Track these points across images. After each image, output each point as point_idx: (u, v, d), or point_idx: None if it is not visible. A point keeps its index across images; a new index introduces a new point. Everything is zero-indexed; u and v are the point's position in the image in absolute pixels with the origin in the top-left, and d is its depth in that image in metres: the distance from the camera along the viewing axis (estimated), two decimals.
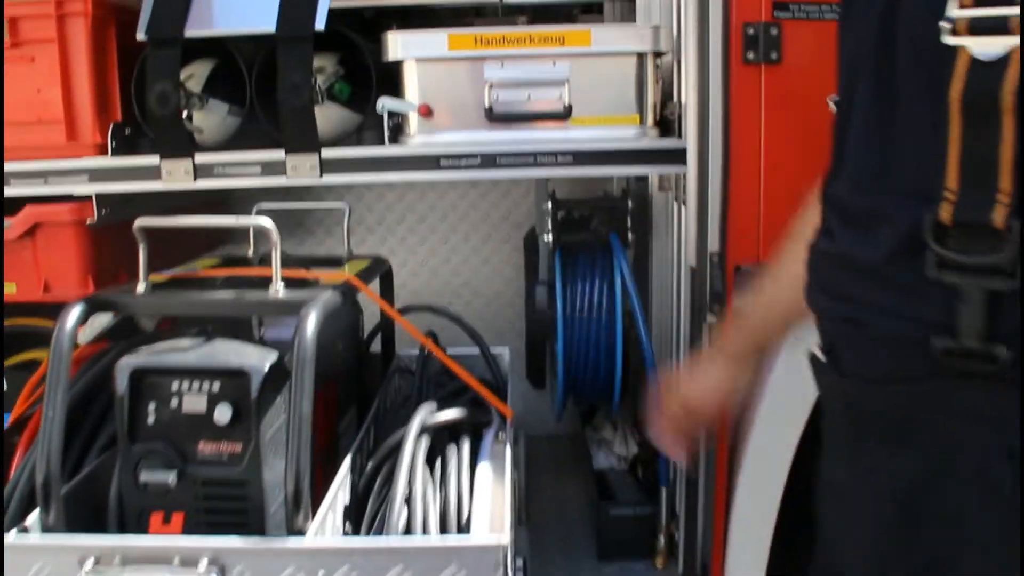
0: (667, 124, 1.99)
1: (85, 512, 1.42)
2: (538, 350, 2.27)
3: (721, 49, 1.79)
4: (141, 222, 1.41)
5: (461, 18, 2.73)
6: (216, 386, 1.37)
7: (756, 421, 1.92)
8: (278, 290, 1.43)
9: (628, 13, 2.66)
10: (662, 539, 2.12)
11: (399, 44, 1.90)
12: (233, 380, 1.37)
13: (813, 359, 1.23)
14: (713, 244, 1.85)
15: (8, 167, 1.94)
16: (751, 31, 1.77)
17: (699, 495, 1.97)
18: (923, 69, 0.96)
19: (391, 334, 1.97)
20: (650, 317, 2.25)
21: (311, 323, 1.33)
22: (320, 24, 1.84)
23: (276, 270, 1.42)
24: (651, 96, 1.93)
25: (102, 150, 1.95)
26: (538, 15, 2.75)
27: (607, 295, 2.12)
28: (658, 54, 1.94)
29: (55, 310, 2.10)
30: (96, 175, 1.93)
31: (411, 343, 2.00)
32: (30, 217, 1.96)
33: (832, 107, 1.19)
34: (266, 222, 1.38)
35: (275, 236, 1.39)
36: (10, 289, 2.01)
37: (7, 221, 1.96)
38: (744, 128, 1.81)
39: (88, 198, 1.95)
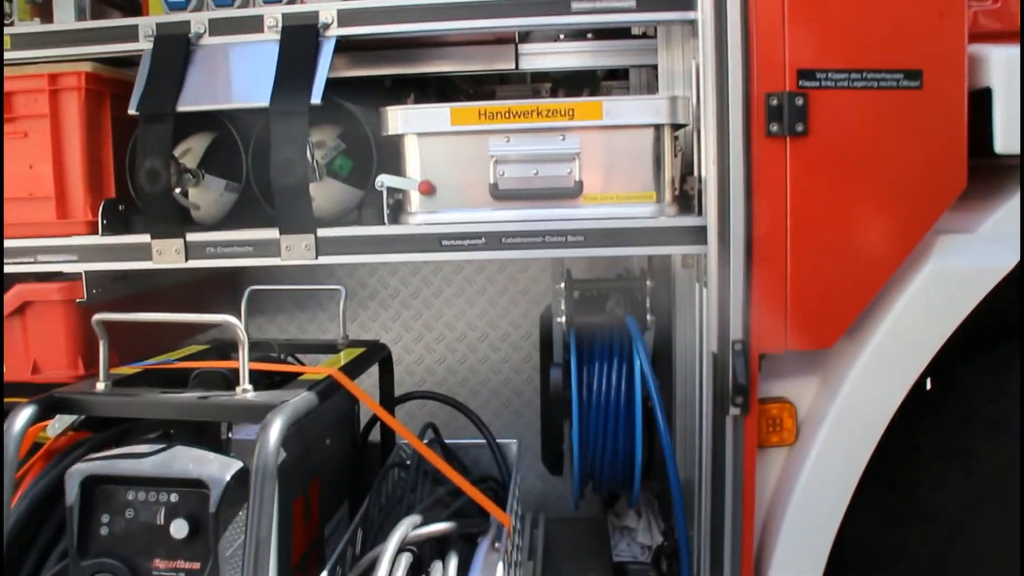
0: (687, 200, 1.85)
1: None
2: (554, 434, 2.12)
3: (742, 121, 1.65)
4: (99, 317, 1.31)
5: (483, 86, 2.64)
6: (174, 497, 1.25)
7: (784, 523, 1.76)
8: (246, 392, 1.31)
9: (654, 79, 2.55)
10: None
11: (399, 119, 1.79)
12: (192, 492, 1.24)
13: None
14: (736, 331, 1.69)
15: None
16: (774, 101, 1.63)
17: None
18: None
19: (391, 440, 1.84)
20: (674, 403, 2.09)
21: (274, 432, 1.20)
22: (317, 98, 1.75)
23: (243, 370, 1.30)
24: (668, 171, 1.79)
25: (93, 228, 1.86)
26: (561, 82, 2.66)
27: (626, 379, 1.97)
28: (676, 126, 1.80)
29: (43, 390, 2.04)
30: (86, 253, 1.85)
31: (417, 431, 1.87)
32: (20, 295, 1.89)
33: None
34: (231, 320, 1.26)
35: (242, 336, 1.28)
36: None
37: None
38: (768, 205, 1.66)
39: (77, 276, 1.87)
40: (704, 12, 1.68)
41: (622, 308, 2.13)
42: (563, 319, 2.02)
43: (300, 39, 1.80)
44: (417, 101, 2.38)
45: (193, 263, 1.82)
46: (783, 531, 1.75)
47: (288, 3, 1.92)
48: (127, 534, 1.26)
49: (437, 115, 1.77)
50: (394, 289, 2.60)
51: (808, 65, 1.63)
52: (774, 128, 1.64)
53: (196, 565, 1.24)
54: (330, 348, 1.80)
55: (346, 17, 1.82)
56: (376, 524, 1.57)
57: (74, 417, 1.54)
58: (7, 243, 1.86)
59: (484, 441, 1.81)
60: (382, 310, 2.60)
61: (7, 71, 1.87)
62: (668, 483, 2.11)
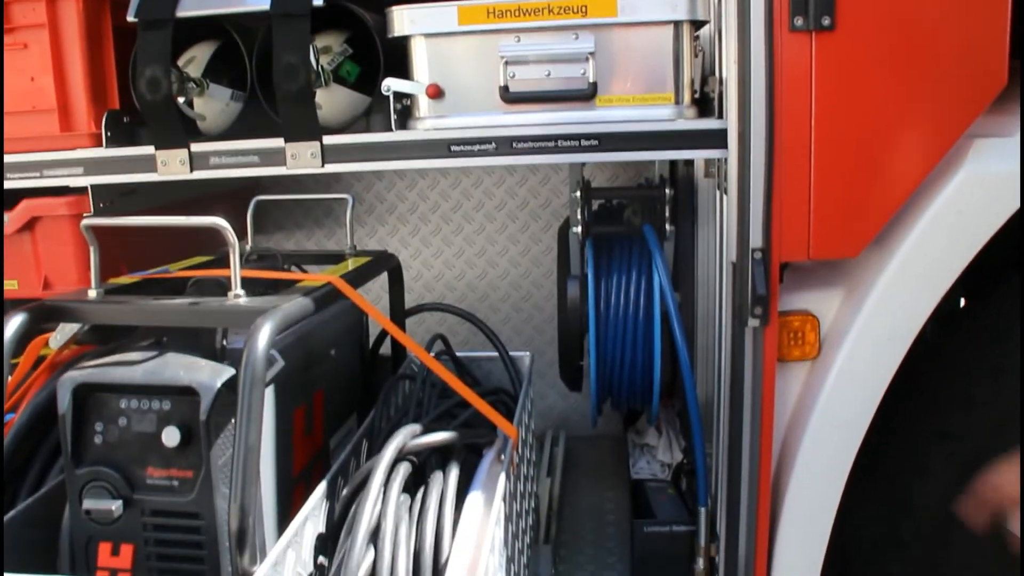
0: (707, 103, 1.75)
1: (39, 536, 1.29)
2: (573, 349, 2.06)
3: (764, 14, 1.54)
4: (88, 221, 1.27)
5: None
6: (165, 405, 1.21)
7: (804, 438, 1.69)
8: (237, 297, 1.26)
9: None
10: (701, 562, 1.89)
11: (405, 19, 1.71)
12: (183, 399, 1.21)
13: None
14: (756, 239, 1.61)
15: (5, 159, 1.82)
16: None
17: (741, 515, 1.74)
18: None
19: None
20: (695, 315, 2.02)
21: (262, 339, 1.16)
22: None
23: (235, 278, 1.25)
24: (687, 72, 1.70)
25: (97, 140, 1.82)
26: None
27: (644, 291, 1.90)
28: (696, 23, 1.70)
29: None
30: (91, 167, 1.81)
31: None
32: (28, 211, 1.86)
33: None
34: (220, 223, 1.21)
35: (231, 238, 1.23)
36: (12, 286, 1.90)
37: (5, 216, 1.85)
38: (792, 106, 1.56)
39: (83, 190, 1.83)
40: None
41: (640, 218, 2.04)
42: (579, 229, 1.94)
43: None
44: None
45: (198, 174, 1.76)
46: (803, 447, 1.68)
47: None
48: (120, 442, 1.23)
49: (444, 14, 1.68)
50: (412, 203, 2.53)
51: None
52: (799, 22, 1.53)
53: (189, 473, 1.21)
54: (337, 258, 1.75)
55: None
56: (382, 435, 1.53)
57: (76, 328, 1.51)
58: (12, 157, 1.82)
59: (497, 354, 1.76)
60: (400, 225, 2.55)
61: None
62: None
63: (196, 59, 1.86)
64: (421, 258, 2.55)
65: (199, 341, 1.31)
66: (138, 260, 1.98)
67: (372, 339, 1.93)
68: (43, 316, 1.29)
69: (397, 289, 1.78)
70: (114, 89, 1.86)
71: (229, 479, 1.20)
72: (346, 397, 1.67)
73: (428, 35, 1.70)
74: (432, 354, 1.65)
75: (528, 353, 1.83)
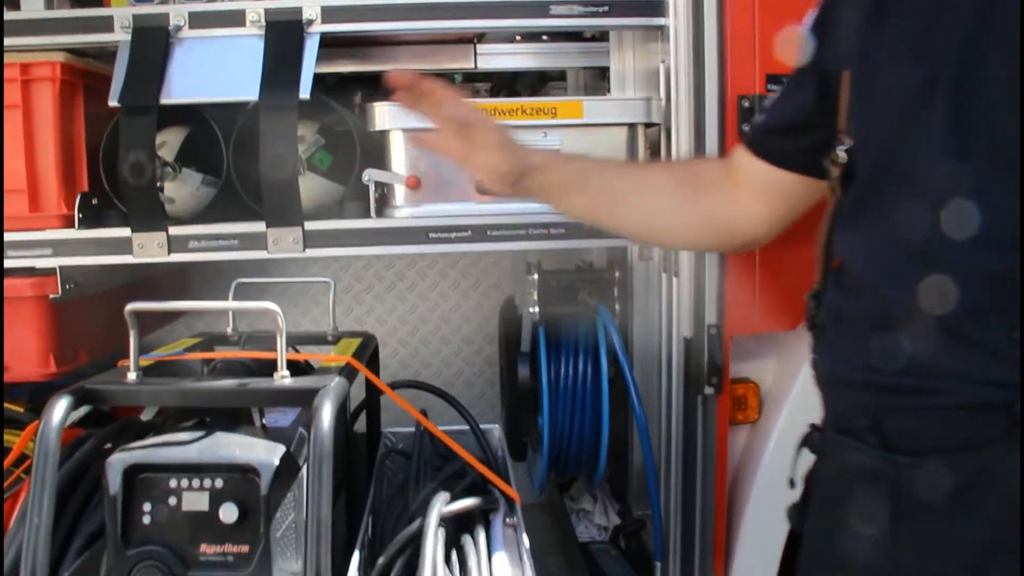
0: None
1: None
2: (518, 423, 2.19)
3: (717, 121, 1.77)
4: (133, 307, 1.30)
5: None
6: (219, 483, 1.26)
7: (751, 495, 1.88)
8: (283, 378, 1.33)
9: (592, 79, 2.66)
10: None
11: (387, 114, 1.84)
12: (239, 476, 1.26)
13: (824, 438, 1.19)
14: (711, 316, 1.82)
15: None
16: (746, 103, 1.76)
17: (695, 567, 1.91)
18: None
19: (377, 411, 1.87)
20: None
21: (327, 414, 1.24)
22: (305, 93, 1.77)
23: (281, 357, 1.33)
24: None
25: (67, 221, 1.83)
26: (501, 83, 2.73)
27: (592, 367, 2.06)
28: (649, 125, 1.91)
29: (14, 388, 1.98)
30: (62, 248, 1.82)
31: (394, 421, 1.92)
32: None
33: (842, 154, 1.17)
34: (272, 307, 1.28)
35: (282, 323, 1.30)
36: None
37: None
38: None
39: (51, 272, 1.82)
40: (679, 19, 1.79)
41: (591, 298, 2.22)
42: (535, 309, 2.09)
43: (285, 34, 1.82)
44: (364, 99, 2.42)
45: (176, 257, 1.81)
46: (750, 503, 1.88)
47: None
48: (171, 521, 1.27)
49: None
50: (390, 282, 2.66)
51: (776, 71, 1.76)
52: (746, 128, 1.77)
53: (245, 548, 1.26)
54: (321, 339, 1.82)
55: (330, 14, 1.84)
56: (384, 510, 1.61)
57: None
58: None
59: (467, 427, 1.87)
60: (378, 304, 2.67)
61: None
62: (622, 465, 2.23)
63: (168, 143, 1.91)
64: (398, 336, 2.65)
65: (240, 421, 1.37)
66: (95, 342, 1.99)
67: None
68: (87, 399, 1.31)
69: (374, 367, 1.87)
70: (83, 171, 1.88)
71: (285, 550, 1.27)
72: (336, 475, 1.73)
73: (407, 129, 1.84)
74: (420, 430, 1.75)
75: (496, 426, 1.94)
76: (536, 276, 2.10)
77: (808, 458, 1.22)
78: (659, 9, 1.86)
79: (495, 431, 1.91)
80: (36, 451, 1.25)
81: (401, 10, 1.86)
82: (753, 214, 1.40)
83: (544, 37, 2.27)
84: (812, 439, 1.21)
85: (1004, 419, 0.98)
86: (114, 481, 1.26)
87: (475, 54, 2.22)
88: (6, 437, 1.99)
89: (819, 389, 1.23)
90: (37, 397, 2.11)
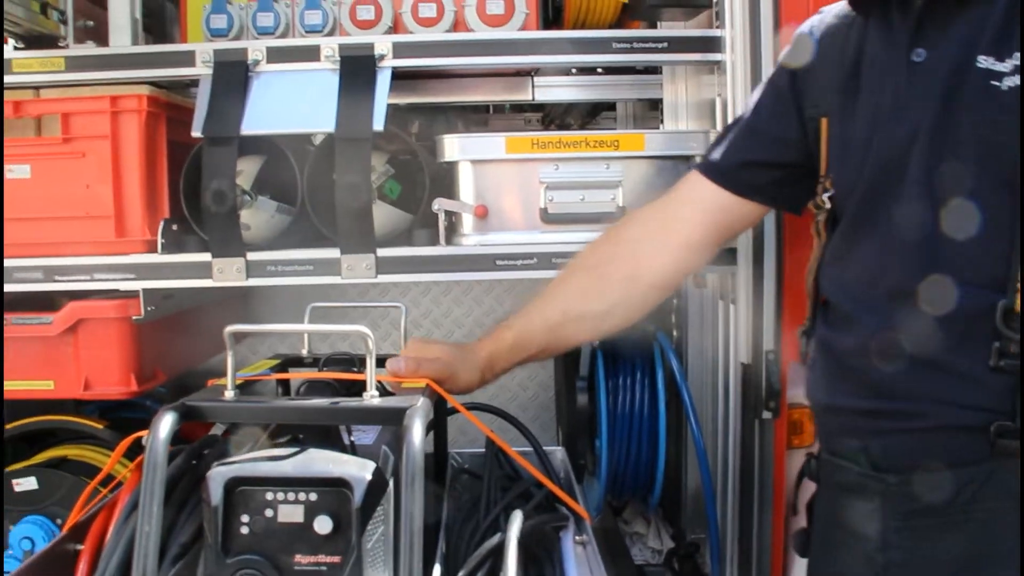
0: None
1: None
2: (578, 446, 2.28)
3: None
4: (231, 329, 1.40)
5: (476, 113, 2.81)
6: (313, 496, 1.36)
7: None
8: (373, 398, 1.43)
9: (643, 109, 2.76)
10: None
11: (456, 146, 1.94)
12: (332, 490, 1.35)
13: (820, 462, 1.35)
14: (768, 342, 1.90)
15: (54, 262, 1.94)
16: None
17: None
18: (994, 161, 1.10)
19: (444, 433, 1.96)
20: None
21: (417, 432, 1.33)
22: (379, 125, 1.88)
23: (371, 378, 1.42)
24: None
25: (150, 246, 1.95)
26: (552, 113, 2.84)
27: (649, 391, 2.15)
28: None
29: (83, 406, 2.10)
30: (144, 271, 1.93)
31: (454, 443, 2.00)
32: (74, 313, 1.94)
33: (827, 200, 1.35)
34: (364, 330, 1.38)
35: (372, 345, 1.40)
36: (47, 385, 1.98)
37: (49, 317, 1.93)
38: (799, 229, 1.87)
39: (134, 294, 1.94)
40: (736, 55, 1.89)
41: (649, 324, 2.31)
42: None
43: (358, 69, 1.93)
44: (421, 131, 2.54)
45: (253, 281, 1.92)
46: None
47: (328, 34, 2.06)
48: (268, 532, 1.36)
49: (492, 143, 1.94)
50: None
51: None
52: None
53: (337, 559, 1.35)
54: None
55: (400, 49, 1.96)
56: (456, 529, 1.70)
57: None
58: (60, 261, 1.93)
59: (530, 449, 1.95)
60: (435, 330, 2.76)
61: (57, 92, 1.95)
62: (675, 488, 2.31)
63: (244, 172, 2.02)
64: None
65: (330, 438, 1.46)
66: (171, 361, 2.10)
67: None
68: (188, 415, 1.41)
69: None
70: (165, 198, 1.99)
71: (375, 561, 1.36)
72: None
73: (475, 161, 1.94)
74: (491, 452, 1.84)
75: (560, 448, 2.03)
76: None
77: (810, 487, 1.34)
78: (716, 45, 1.97)
79: (558, 453, 2.00)
80: (145, 464, 1.35)
81: (469, 46, 1.98)
82: (684, 255, 1.60)
83: (599, 70, 2.38)
84: (809, 467, 1.34)
85: (984, 440, 1.10)
86: (215, 493, 1.35)
87: (532, 86, 2.32)
88: (81, 451, 2.12)
89: (814, 418, 1.35)
90: (108, 414, 2.24)
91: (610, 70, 2.36)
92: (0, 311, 1.87)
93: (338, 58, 1.94)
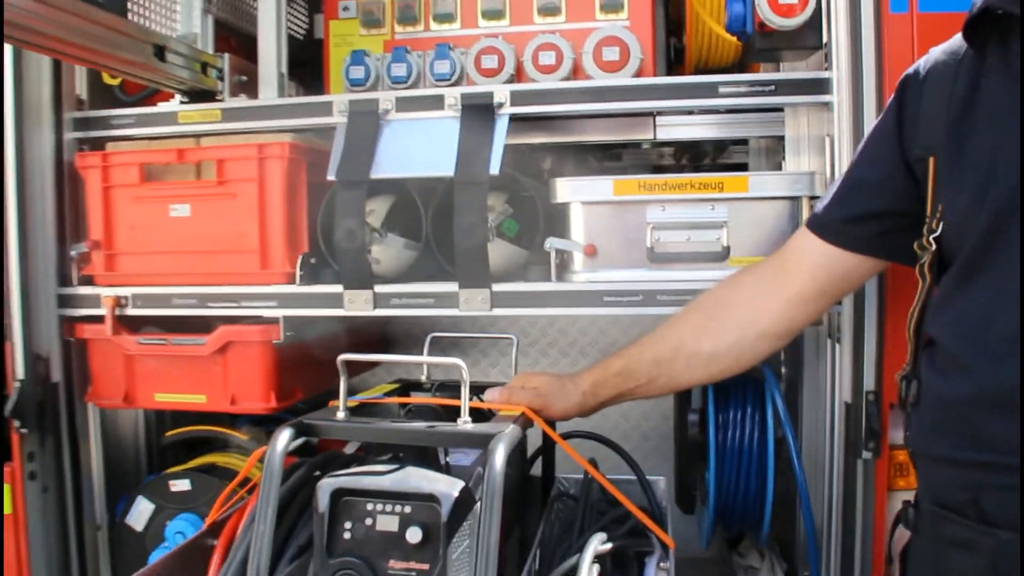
0: None
1: None
2: (687, 477, 2.39)
3: None
4: (343, 358, 1.62)
5: (612, 148, 2.96)
6: (407, 509, 1.55)
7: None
8: (466, 423, 1.62)
9: (771, 142, 2.84)
10: None
11: (567, 189, 2.11)
12: (424, 504, 1.54)
13: (919, 512, 1.34)
14: (869, 383, 1.96)
15: (207, 290, 2.23)
16: None
17: None
18: None
19: (552, 458, 2.13)
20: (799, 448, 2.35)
21: (500, 457, 1.50)
22: (495, 169, 2.07)
23: (465, 405, 1.61)
24: None
25: (290, 278, 2.21)
26: (686, 147, 2.96)
27: (759, 425, 2.24)
28: (813, 198, 2.08)
29: (228, 418, 2.39)
30: (285, 301, 2.19)
31: (573, 468, 2.16)
32: (224, 336, 2.23)
33: (933, 242, 1.35)
34: (459, 363, 1.57)
35: (465, 374, 1.58)
36: (200, 399, 2.28)
37: (203, 339, 2.23)
38: (903, 270, 1.93)
39: (275, 321, 2.21)
40: (842, 96, 1.98)
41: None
42: None
43: (478, 116, 2.13)
44: (552, 167, 2.72)
45: (380, 312, 2.15)
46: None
47: (455, 82, 2.28)
48: (367, 538, 1.56)
49: (601, 186, 2.09)
50: (573, 338, 2.92)
51: None
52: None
53: (426, 566, 1.54)
54: None
55: (518, 97, 2.15)
56: (551, 546, 1.86)
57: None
58: (212, 289, 2.22)
59: (633, 477, 2.09)
60: (561, 357, 2.94)
61: (217, 140, 2.25)
62: (791, 524, 2.38)
63: (375, 211, 2.26)
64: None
65: (427, 458, 1.66)
66: (308, 381, 2.36)
67: None
68: (304, 431, 1.64)
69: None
70: (304, 235, 2.26)
71: (459, 571, 1.54)
72: (513, 511, 2.00)
73: (586, 202, 2.10)
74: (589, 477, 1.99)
75: (663, 477, 2.16)
76: None
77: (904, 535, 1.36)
78: (825, 86, 2.05)
79: (660, 482, 2.12)
80: (263, 472, 1.59)
81: (581, 93, 2.15)
82: (796, 308, 1.68)
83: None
84: (907, 515, 1.35)
85: None
86: (323, 501, 1.57)
87: (655, 126, 2.46)
88: (228, 459, 2.42)
89: (915, 465, 1.36)
90: (255, 428, 2.54)
91: (732, 108, 2.47)
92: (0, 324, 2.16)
93: (460, 106, 2.16)
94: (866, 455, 1.97)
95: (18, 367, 2.29)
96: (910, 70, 1.49)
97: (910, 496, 2.05)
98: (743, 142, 2.92)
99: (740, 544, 2.64)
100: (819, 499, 2.14)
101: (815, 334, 2.34)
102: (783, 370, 2.34)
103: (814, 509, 2.11)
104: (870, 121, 1.94)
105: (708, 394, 2.28)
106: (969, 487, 1.22)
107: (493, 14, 2.36)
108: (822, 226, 1.62)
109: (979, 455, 1.21)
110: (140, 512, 2.30)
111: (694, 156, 3.00)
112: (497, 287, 2.09)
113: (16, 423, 2.27)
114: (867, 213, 1.55)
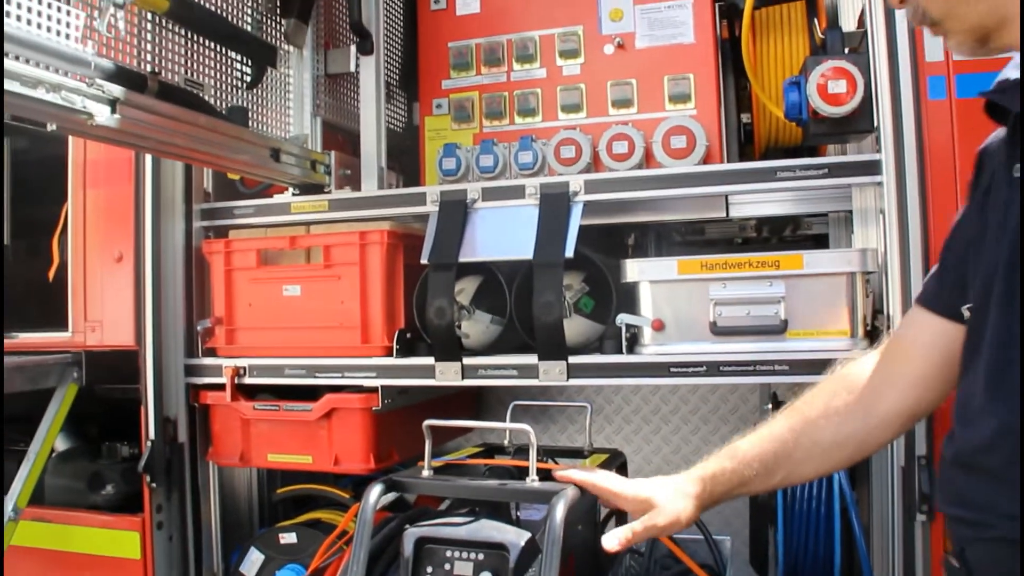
0: (877, 334, 2.33)
1: None
2: (762, 537, 2.60)
3: (922, 267, 2.14)
4: (428, 423, 1.93)
5: (692, 225, 3.22)
6: (480, 556, 1.84)
7: None
8: (533, 481, 1.90)
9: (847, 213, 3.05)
10: None
11: (636, 269, 2.38)
12: (494, 552, 1.83)
13: (948, 567, 1.44)
14: (920, 447, 2.15)
15: (314, 362, 2.58)
16: None
17: None
18: None
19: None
20: (870, 510, 2.53)
21: (559, 512, 1.77)
22: (570, 252, 2.36)
23: (532, 466, 1.89)
24: (860, 310, 2.28)
25: (388, 351, 2.53)
26: (765, 219, 3.19)
27: (826, 489, 2.44)
28: (867, 273, 2.30)
29: (332, 477, 2.72)
30: (383, 372, 2.52)
31: None
32: (329, 403, 2.57)
33: (966, 314, 1.43)
34: (527, 428, 1.86)
35: (533, 438, 1.87)
36: (307, 460, 2.62)
37: (310, 406, 2.58)
38: None
39: (375, 389, 2.54)
40: (889, 176, 2.20)
41: None
42: None
43: (555, 204, 2.44)
44: (636, 242, 3.00)
45: (468, 382, 2.45)
46: None
47: (536, 171, 2.60)
48: None
49: (666, 266, 2.35)
50: (636, 406, 3.20)
51: None
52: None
53: None
54: (578, 453, 2.37)
55: (591, 186, 2.45)
56: None
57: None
58: (319, 361, 2.57)
59: (701, 536, 2.32)
60: (625, 424, 3.22)
61: (324, 228, 2.62)
62: None
63: (465, 290, 2.59)
64: (642, 453, 3.19)
65: (500, 511, 1.95)
66: (403, 443, 2.68)
67: None
68: (393, 487, 1.95)
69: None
70: (401, 312, 2.59)
71: None
72: (585, 564, 2.25)
73: (653, 281, 2.38)
74: None
75: (728, 537, 2.38)
76: (770, 406, 2.53)
77: None
78: (876, 168, 2.27)
79: (727, 541, 2.35)
80: (357, 521, 1.89)
81: (648, 181, 2.43)
82: (916, 391, 1.65)
83: None
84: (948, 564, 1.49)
85: None
86: (408, 548, 1.87)
87: (727, 204, 2.71)
88: (332, 515, 2.75)
89: None
90: (359, 487, 2.87)
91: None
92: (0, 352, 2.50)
93: (539, 195, 2.46)
94: (920, 518, 2.15)
95: (150, 428, 2.69)
96: (982, 144, 1.51)
97: None
98: (822, 214, 3.14)
99: None
100: (886, 561, 2.32)
101: None
102: None
103: (883, 570, 2.29)
104: (913, 200, 2.16)
105: None
106: (957, 540, 1.39)
107: (572, 108, 2.69)
108: (931, 299, 1.60)
109: (954, 510, 1.38)
110: (252, 561, 2.63)
111: (774, 228, 3.23)
112: (573, 359, 2.37)
113: (147, 478, 2.66)
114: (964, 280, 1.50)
